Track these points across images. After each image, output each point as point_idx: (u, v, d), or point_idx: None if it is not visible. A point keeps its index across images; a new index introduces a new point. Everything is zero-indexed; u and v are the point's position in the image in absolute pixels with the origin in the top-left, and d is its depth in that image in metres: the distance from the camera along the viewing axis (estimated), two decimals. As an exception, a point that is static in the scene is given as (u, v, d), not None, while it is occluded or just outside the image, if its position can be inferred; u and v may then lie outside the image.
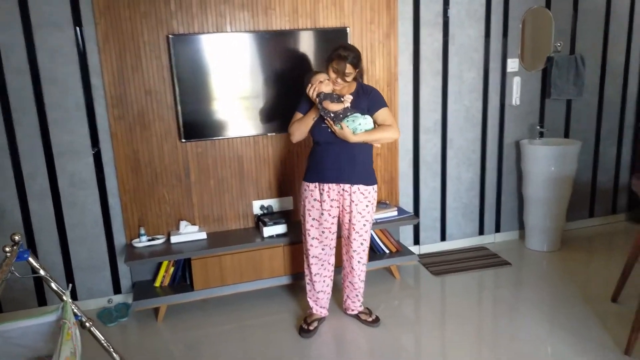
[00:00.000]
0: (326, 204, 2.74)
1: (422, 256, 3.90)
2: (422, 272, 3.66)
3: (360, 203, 2.73)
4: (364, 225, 2.78)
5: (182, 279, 3.24)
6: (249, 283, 3.19)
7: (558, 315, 2.99)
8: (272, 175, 3.42)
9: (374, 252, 3.49)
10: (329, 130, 2.63)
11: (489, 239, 4.14)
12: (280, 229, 3.24)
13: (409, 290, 3.43)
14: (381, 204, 3.56)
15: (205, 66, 3.12)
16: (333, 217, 2.79)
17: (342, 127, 2.58)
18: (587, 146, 4.22)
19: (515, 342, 2.74)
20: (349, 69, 2.57)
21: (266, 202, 3.43)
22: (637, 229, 4.12)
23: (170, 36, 3.03)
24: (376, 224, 3.39)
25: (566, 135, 4.14)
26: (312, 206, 2.76)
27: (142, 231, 3.18)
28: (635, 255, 2.97)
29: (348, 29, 3.33)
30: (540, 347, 2.67)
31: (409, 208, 3.87)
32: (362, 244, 2.83)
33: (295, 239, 3.21)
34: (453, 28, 3.66)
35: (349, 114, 2.59)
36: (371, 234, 3.41)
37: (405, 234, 3.91)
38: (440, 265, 3.74)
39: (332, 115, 2.58)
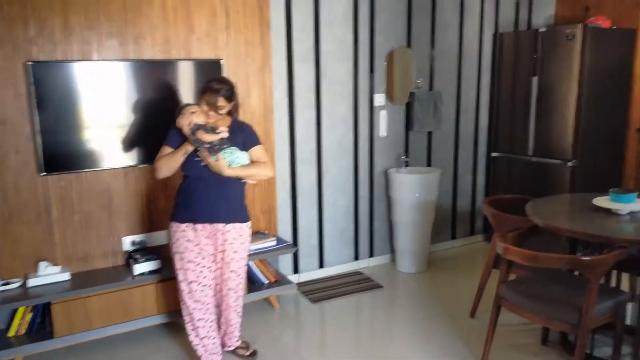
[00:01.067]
0: (202, 244, 2.62)
1: (301, 284, 3.96)
2: (301, 300, 3.72)
3: (235, 241, 2.66)
4: (242, 264, 2.73)
5: (42, 326, 2.96)
6: (119, 325, 3.00)
7: (426, 332, 3.19)
8: (144, 209, 3.29)
9: (253, 283, 3.48)
10: (202, 164, 2.54)
11: (364, 264, 4.33)
12: (153, 265, 3.10)
13: (288, 319, 3.46)
14: (260, 234, 3.58)
15: (71, 95, 2.95)
16: (211, 255, 2.68)
17: (217, 159, 2.51)
18: (447, 174, 4.63)
19: (387, 363, 2.87)
20: (221, 102, 2.53)
21: (138, 238, 3.28)
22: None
23: (29, 63, 2.82)
24: (255, 254, 3.39)
25: (428, 164, 4.51)
26: (186, 248, 2.61)
27: (-6, 275, 2.87)
28: (488, 272, 3.29)
29: (222, 60, 3.36)
30: (410, 365, 2.84)
31: (288, 237, 3.93)
32: (239, 283, 2.77)
33: (170, 275, 3.09)
34: (324, 64, 3.85)
35: (225, 146, 2.54)
36: (250, 265, 3.42)
37: (285, 263, 3.96)
38: (319, 292, 3.83)
39: (207, 146, 2.49)
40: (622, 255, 2.42)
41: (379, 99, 4.13)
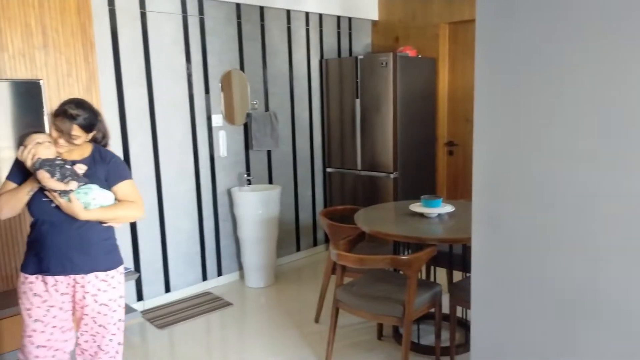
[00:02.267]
0: (54, 299, 2.17)
1: (146, 312, 3.83)
2: (148, 327, 3.60)
3: (102, 294, 2.19)
4: (113, 318, 2.24)
5: None
6: None
7: (276, 343, 3.33)
8: (-45, 249, 2.93)
9: (92, 317, 3.28)
10: (53, 205, 2.09)
11: (213, 283, 4.34)
12: (-29, 310, 2.77)
13: (133, 350, 3.33)
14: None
15: None
16: (66, 312, 2.22)
17: (70, 200, 2.06)
18: (288, 190, 4.86)
19: (237, 378, 2.93)
20: (76, 131, 2.08)
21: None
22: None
23: None
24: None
25: (270, 181, 4.70)
26: (33, 304, 2.15)
27: None
28: (327, 279, 3.55)
29: (41, 81, 3.15)
30: (260, 377, 2.93)
31: (129, 264, 3.78)
32: (111, 340, 2.27)
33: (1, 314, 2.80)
34: (157, 85, 3.83)
35: (81, 183, 2.14)
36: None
37: (127, 291, 3.79)
38: (166, 317, 3.75)
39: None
40: (433, 252, 2.82)
41: (217, 119, 4.21)
